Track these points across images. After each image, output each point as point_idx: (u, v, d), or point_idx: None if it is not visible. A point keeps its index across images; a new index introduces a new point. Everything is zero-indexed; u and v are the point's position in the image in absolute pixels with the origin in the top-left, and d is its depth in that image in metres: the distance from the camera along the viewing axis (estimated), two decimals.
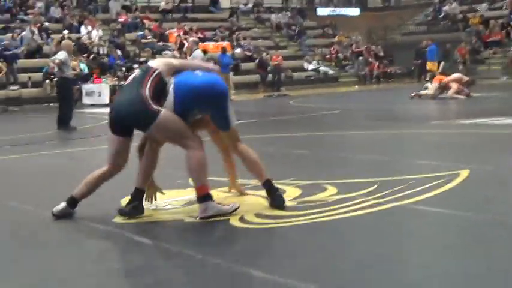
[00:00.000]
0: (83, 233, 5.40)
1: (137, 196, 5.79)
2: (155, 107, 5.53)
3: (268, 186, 5.89)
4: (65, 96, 15.48)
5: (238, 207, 5.67)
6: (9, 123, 19.00)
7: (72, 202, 5.85)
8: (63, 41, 17.59)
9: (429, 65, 30.70)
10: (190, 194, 6.47)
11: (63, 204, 5.84)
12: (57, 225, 5.70)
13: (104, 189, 6.22)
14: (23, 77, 26.40)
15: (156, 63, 5.86)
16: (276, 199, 5.82)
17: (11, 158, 10.47)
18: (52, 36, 29.96)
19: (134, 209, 5.74)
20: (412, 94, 19.84)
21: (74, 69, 19.77)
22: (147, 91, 5.58)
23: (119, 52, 29.61)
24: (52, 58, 16.29)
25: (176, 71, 5.83)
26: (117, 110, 5.72)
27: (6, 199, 7.00)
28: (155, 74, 5.69)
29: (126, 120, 5.65)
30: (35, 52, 28.54)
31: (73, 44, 16.62)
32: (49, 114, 21.97)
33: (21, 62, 27.61)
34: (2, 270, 4.58)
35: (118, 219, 5.70)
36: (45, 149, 11.34)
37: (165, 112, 5.55)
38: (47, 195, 7.21)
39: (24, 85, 26.00)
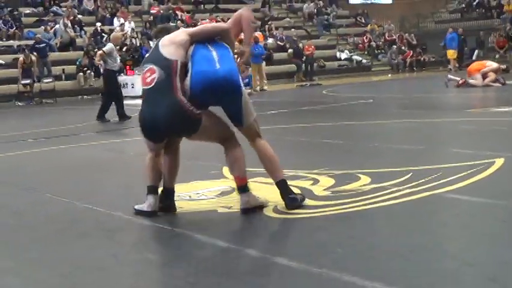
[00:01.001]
0: (118, 224, 5.43)
1: (168, 195, 5.71)
2: (195, 111, 5.26)
3: (281, 187, 5.55)
4: (110, 89, 15.57)
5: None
6: (44, 116, 19.16)
7: (154, 190, 5.58)
8: (112, 34, 17.73)
9: (449, 53, 30.74)
10: (223, 184, 6.50)
11: (149, 198, 5.55)
12: (91, 217, 5.74)
13: (136, 182, 6.27)
14: (56, 69, 26.61)
15: (170, 51, 5.36)
16: (289, 203, 5.50)
17: (45, 150, 10.57)
18: (85, 28, 30.18)
19: (166, 208, 5.67)
20: (460, 82, 19.49)
21: None
22: (180, 93, 5.27)
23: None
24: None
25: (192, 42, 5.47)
26: (154, 121, 5.34)
27: (42, 191, 7.07)
28: (178, 68, 5.32)
29: (168, 131, 5.39)
30: (68, 45, 28.80)
31: (123, 37, 16.62)
32: (83, 106, 22.22)
33: (55, 55, 27.87)
34: (39, 260, 4.63)
35: None
36: (79, 141, 11.42)
37: (205, 114, 5.35)
38: (82, 186, 7.27)
39: (58, 78, 26.20)
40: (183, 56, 5.36)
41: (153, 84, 5.34)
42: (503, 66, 20.89)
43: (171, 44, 5.40)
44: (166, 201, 5.67)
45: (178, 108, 5.23)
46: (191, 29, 5.69)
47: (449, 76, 20.50)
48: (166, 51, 5.37)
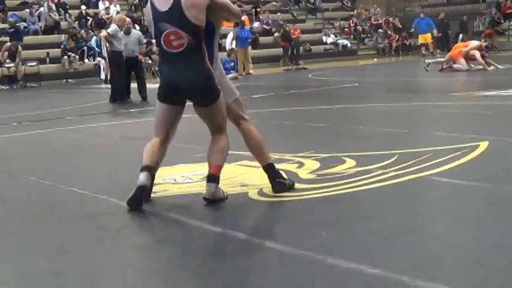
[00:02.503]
0: (102, 208, 5.41)
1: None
2: (218, 86, 5.27)
3: (269, 171, 5.55)
4: (116, 70, 15.61)
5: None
6: (28, 100, 19.07)
7: (149, 168, 5.37)
8: (117, 15, 17.71)
9: (421, 38, 30.93)
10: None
11: (144, 173, 5.30)
12: (75, 200, 5.72)
13: (122, 165, 6.26)
14: (41, 53, 26.45)
15: (195, 15, 5.13)
16: (275, 187, 5.50)
17: (30, 133, 10.52)
18: (70, 12, 30.01)
19: None
20: (444, 65, 19.50)
21: None
22: (209, 64, 5.25)
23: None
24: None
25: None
26: (181, 83, 5.23)
27: (26, 174, 7.04)
28: (203, 35, 5.21)
29: (191, 94, 5.30)
30: (52, 28, 28.63)
31: (128, 19, 16.58)
32: (67, 90, 22.14)
33: (39, 38, 27.74)
34: (20, 244, 4.61)
35: None
36: (64, 125, 11.38)
37: (222, 94, 5.33)
38: (66, 169, 7.25)
39: (42, 61, 26.05)
40: (204, 21, 5.20)
41: (181, 49, 5.18)
42: (485, 43, 20.92)
43: (193, 7, 5.14)
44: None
45: (209, 77, 5.21)
46: None
47: (428, 61, 20.47)
48: (192, 16, 5.14)
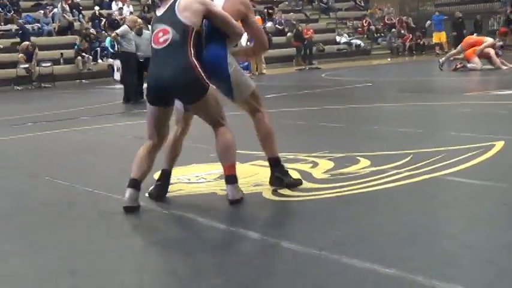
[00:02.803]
0: (116, 207, 5.41)
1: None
2: (206, 78, 5.19)
3: (271, 163, 5.60)
4: (127, 70, 15.74)
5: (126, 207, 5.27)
6: (42, 100, 19.14)
7: (136, 184, 5.37)
8: (130, 16, 17.85)
9: (435, 37, 30.75)
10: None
11: (129, 191, 5.28)
12: (90, 200, 5.74)
13: None
14: (55, 54, 26.55)
15: (187, 16, 5.22)
16: (273, 181, 5.58)
17: (45, 133, 10.57)
18: (83, 12, 30.11)
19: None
20: (458, 65, 19.38)
21: None
22: (193, 58, 5.17)
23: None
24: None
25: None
26: (161, 79, 5.20)
27: (41, 174, 7.07)
28: (193, 34, 5.22)
29: (173, 91, 5.24)
30: (66, 29, 28.74)
31: (139, 20, 16.68)
32: (81, 90, 22.21)
33: (53, 39, 27.86)
34: (38, 243, 4.63)
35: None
36: (79, 125, 11.41)
37: (212, 87, 5.26)
38: (81, 169, 7.28)
39: (56, 62, 26.14)
40: (198, 24, 5.25)
41: (165, 44, 5.23)
42: (500, 42, 20.83)
43: (185, 10, 5.23)
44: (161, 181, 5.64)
45: (190, 69, 5.14)
46: (210, 3, 5.40)
47: (441, 60, 20.33)
48: (183, 16, 5.22)
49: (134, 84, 15.44)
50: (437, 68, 19.65)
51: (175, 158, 5.62)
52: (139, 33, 15.50)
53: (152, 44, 5.31)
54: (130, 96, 15.44)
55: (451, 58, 19.89)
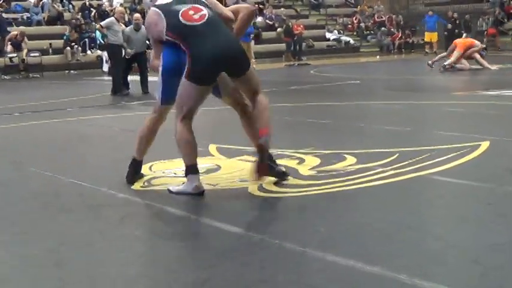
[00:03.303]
0: (102, 200, 5.42)
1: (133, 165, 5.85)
2: None
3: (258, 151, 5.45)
4: (115, 63, 15.76)
5: (203, 191, 5.36)
6: (30, 90, 19.05)
7: (137, 164, 5.80)
8: (116, 8, 17.84)
9: (427, 36, 30.81)
10: (209, 162, 6.50)
11: (197, 177, 5.39)
12: (76, 191, 5.73)
13: (122, 157, 6.26)
14: (44, 43, 26.45)
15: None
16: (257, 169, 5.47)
17: (32, 124, 10.52)
18: (73, 3, 30.00)
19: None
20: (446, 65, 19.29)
21: None
22: None
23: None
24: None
25: None
26: (227, 48, 5.24)
27: (26, 165, 7.05)
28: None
29: (237, 60, 5.32)
30: (55, 19, 28.62)
31: (124, 11, 16.71)
32: (70, 81, 22.13)
33: (43, 29, 27.74)
34: (21, 235, 4.62)
35: (137, 187, 5.72)
36: (66, 116, 11.38)
37: None
38: (67, 161, 7.26)
39: (45, 52, 26.04)
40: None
41: (204, 19, 5.28)
42: (484, 46, 20.96)
43: None
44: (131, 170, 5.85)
45: (239, 43, 5.43)
46: None
47: (431, 61, 20.21)
48: None
49: (119, 77, 15.41)
50: (426, 67, 19.67)
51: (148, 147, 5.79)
52: (137, 29, 15.42)
53: (186, 23, 5.25)
54: (117, 88, 15.39)
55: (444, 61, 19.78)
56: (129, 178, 5.83)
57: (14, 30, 25.45)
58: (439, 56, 20.21)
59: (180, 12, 5.29)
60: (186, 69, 5.21)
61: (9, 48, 24.53)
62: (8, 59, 24.45)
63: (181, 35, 5.26)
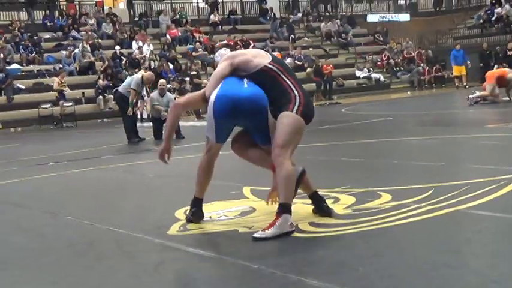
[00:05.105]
0: (138, 246, 5.42)
1: (195, 204, 5.91)
2: None
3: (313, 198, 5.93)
4: (123, 111, 15.90)
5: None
6: (64, 140, 19.25)
7: (198, 203, 5.92)
8: (147, 72, 17.99)
9: (456, 70, 30.61)
10: (244, 204, 6.49)
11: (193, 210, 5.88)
12: (112, 238, 5.74)
13: (157, 203, 6.28)
14: (76, 93, 26.79)
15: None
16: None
17: (66, 173, 10.61)
18: (104, 52, 30.40)
19: (193, 215, 5.89)
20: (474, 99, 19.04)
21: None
22: None
23: (170, 66, 29.83)
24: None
25: None
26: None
27: (62, 214, 7.09)
28: None
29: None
30: (87, 68, 29.02)
31: (153, 79, 16.93)
32: (103, 129, 22.33)
33: (75, 79, 28.13)
34: (61, 283, 4.63)
35: (172, 232, 5.73)
36: (100, 164, 11.46)
37: None
38: (102, 208, 7.29)
39: (77, 101, 26.37)
40: None
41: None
42: None
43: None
44: (193, 208, 5.95)
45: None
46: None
47: (471, 96, 19.41)
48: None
49: (129, 124, 15.69)
50: (458, 101, 19.57)
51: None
52: (162, 94, 16.04)
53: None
54: (128, 135, 15.55)
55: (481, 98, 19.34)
56: (188, 216, 5.99)
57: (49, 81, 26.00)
58: (480, 94, 19.62)
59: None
60: (297, 107, 5.68)
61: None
62: (44, 109, 24.87)
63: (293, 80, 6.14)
